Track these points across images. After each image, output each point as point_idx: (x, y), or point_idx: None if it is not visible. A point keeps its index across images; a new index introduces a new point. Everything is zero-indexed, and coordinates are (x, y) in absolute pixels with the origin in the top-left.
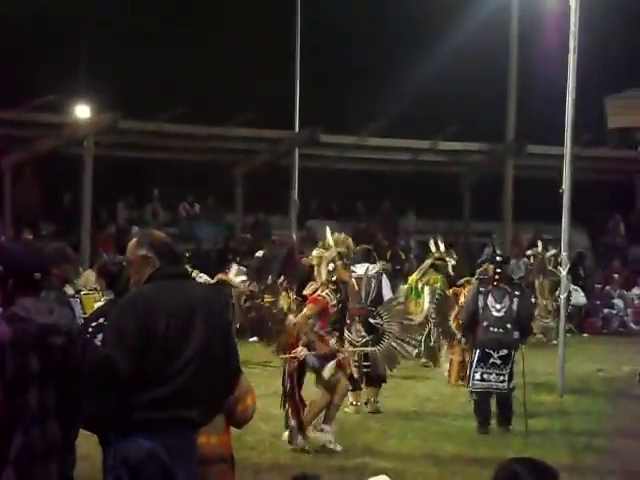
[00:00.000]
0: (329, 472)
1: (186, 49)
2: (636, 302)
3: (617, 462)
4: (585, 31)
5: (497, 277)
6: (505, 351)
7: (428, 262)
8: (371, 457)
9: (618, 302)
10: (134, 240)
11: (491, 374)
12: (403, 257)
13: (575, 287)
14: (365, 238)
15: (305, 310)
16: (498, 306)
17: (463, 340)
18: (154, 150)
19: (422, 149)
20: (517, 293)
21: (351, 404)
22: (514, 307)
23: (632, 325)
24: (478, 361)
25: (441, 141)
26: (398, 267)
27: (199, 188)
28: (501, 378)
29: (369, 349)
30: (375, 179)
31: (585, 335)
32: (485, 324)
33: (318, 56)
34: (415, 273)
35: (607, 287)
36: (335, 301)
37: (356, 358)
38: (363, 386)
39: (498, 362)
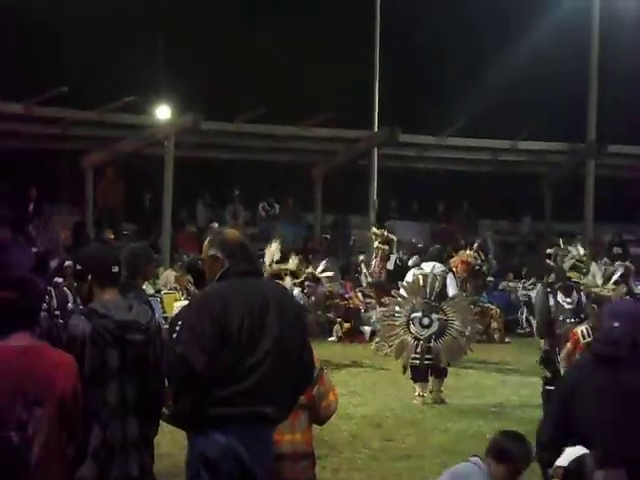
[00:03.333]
0: (408, 472)
1: (266, 50)
2: None
3: None
4: None
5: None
6: None
7: (569, 263)
8: (449, 457)
9: None
10: (207, 240)
11: None
12: (482, 257)
13: None
14: (444, 238)
15: None
16: (568, 300)
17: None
18: (234, 150)
19: (502, 149)
20: (583, 287)
21: (418, 395)
22: (583, 300)
23: None
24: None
25: (521, 141)
26: (477, 268)
27: (278, 188)
28: None
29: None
30: (455, 179)
31: None
32: (561, 318)
33: (398, 55)
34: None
35: None
36: None
37: (419, 350)
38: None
39: None
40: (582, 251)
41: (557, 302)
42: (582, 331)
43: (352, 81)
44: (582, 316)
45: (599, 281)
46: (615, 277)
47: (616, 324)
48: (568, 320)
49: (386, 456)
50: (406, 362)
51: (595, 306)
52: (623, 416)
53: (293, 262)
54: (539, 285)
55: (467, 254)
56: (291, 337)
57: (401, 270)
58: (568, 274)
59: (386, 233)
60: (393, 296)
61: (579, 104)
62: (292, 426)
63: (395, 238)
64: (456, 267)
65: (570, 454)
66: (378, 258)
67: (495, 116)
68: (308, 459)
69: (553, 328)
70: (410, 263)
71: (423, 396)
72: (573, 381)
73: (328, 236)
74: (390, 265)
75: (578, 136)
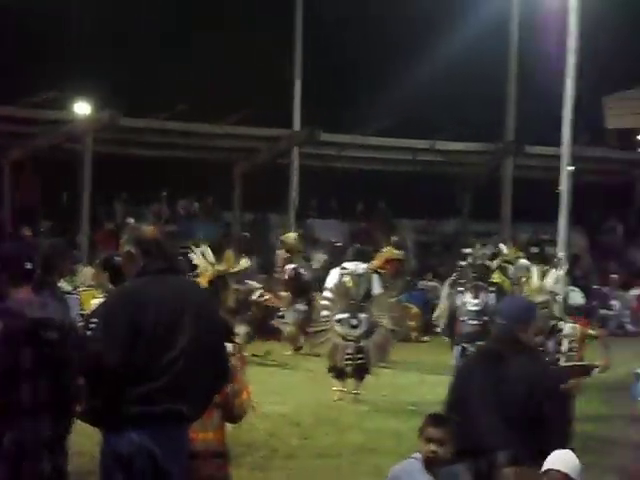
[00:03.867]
0: (325, 471)
1: (186, 46)
2: (634, 303)
3: (613, 463)
4: (584, 31)
5: (474, 275)
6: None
7: (495, 263)
8: (366, 456)
9: (616, 303)
10: (124, 237)
11: None
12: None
13: (573, 288)
14: (363, 237)
15: None
16: (475, 301)
17: None
18: (153, 148)
19: (421, 149)
20: (492, 289)
21: (339, 391)
22: (490, 302)
23: (629, 326)
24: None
25: (440, 141)
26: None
27: (198, 186)
28: None
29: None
30: (374, 178)
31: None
32: (463, 319)
33: (318, 54)
34: None
35: (605, 288)
36: None
37: (350, 351)
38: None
39: None
40: (506, 251)
41: (463, 302)
42: None
43: (273, 80)
44: (486, 318)
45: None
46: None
47: (501, 321)
48: (471, 321)
49: (304, 454)
50: (339, 364)
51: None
52: (491, 409)
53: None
54: (446, 284)
55: (390, 251)
56: (207, 335)
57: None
58: (493, 275)
59: (293, 241)
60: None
61: (497, 105)
62: (205, 424)
63: (300, 249)
64: (381, 267)
65: (557, 456)
66: (279, 263)
67: (414, 116)
68: (221, 457)
69: (454, 327)
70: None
71: (343, 392)
72: (461, 375)
73: (247, 234)
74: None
75: (496, 137)
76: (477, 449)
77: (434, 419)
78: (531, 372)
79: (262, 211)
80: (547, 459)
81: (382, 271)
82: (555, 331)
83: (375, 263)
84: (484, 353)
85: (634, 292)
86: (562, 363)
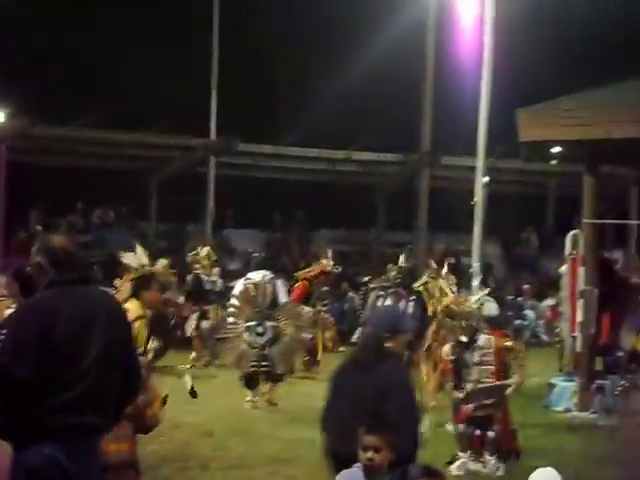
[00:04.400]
0: None
1: (104, 54)
2: (547, 313)
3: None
4: (499, 44)
5: (397, 283)
6: None
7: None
8: (280, 466)
9: (530, 313)
10: (34, 247)
11: None
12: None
13: (488, 298)
14: (280, 247)
15: None
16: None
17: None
18: (68, 156)
19: (338, 159)
20: (412, 298)
21: (251, 401)
22: (409, 311)
23: (543, 336)
24: None
25: (357, 151)
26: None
27: (114, 195)
28: None
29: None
30: (291, 188)
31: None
32: None
33: (235, 64)
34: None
35: (519, 298)
36: None
37: (255, 358)
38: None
39: None
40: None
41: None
42: (446, 350)
43: (190, 89)
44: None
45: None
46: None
47: (369, 329)
48: None
49: (217, 465)
50: (245, 370)
51: (451, 320)
52: (349, 416)
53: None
54: (373, 293)
55: (325, 264)
56: (118, 346)
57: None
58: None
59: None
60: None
61: (413, 116)
62: (118, 436)
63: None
64: (315, 277)
65: (540, 474)
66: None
67: (332, 126)
68: (133, 469)
69: None
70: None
71: (255, 401)
72: (332, 382)
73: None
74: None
75: (412, 148)
76: (333, 454)
77: (369, 427)
78: (389, 381)
79: (179, 221)
80: (531, 477)
81: (315, 282)
82: (473, 343)
83: (309, 274)
84: (352, 361)
85: (548, 302)
86: (474, 376)
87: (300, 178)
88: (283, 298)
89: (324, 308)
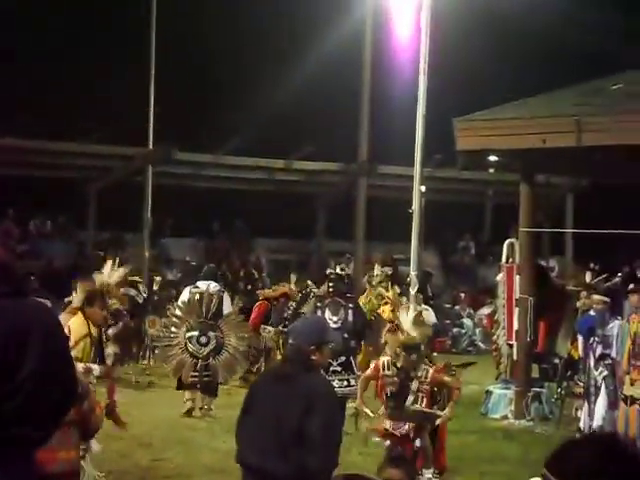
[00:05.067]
0: None
1: (41, 62)
2: (484, 321)
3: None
4: (437, 53)
5: (331, 292)
6: (343, 358)
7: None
8: (217, 476)
9: (467, 322)
10: None
11: (334, 380)
12: (256, 276)
13: (426, 307)
14: (218, 256)
15: None
16: (335, 318)
17: None
18: (5, 166)
19: (277, 168)
20: (351, 305)
21: (188, 410)
22: (349, 318)
23: (480, 344)
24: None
25: (296, 160)
26: (249, 287)
27: (51, 204)
28: (344, 383)
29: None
30: (230, 197)
31: (435, 354)
32: None
33: (173, 73)
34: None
35: (456, 307)
36: None
37: (197, 368)
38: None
39: (338, 369)
40: (377, 271)
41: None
42: (384, 362)
43: (128, 98)
44: (346, 335)
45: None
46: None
47: (293, 341)
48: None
49: (155, 475)
50: (185, 380)
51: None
52: (264, 428)
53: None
54: (312, 299)
55: (286, 288)
56: (54, 357)
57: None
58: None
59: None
60: None
61: (352, 125)
62: (65, 443)
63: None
64: (276, 299)
65: None
66: None
67: (271, 136)
68: (78, 477)
69: None
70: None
71: (192, 411)
72: (251, 394)
73: (101, 253)
74: None
75: (351, 157)
76: (248, 468)
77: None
78: (314, 394)
79: (117, 230)
80: None
81: (275, 302)
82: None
83: (272, 294)
84: (274, 372)
85: (484, 310)
86: (409, 404)
87: (239, 187)
88: (227, 309)
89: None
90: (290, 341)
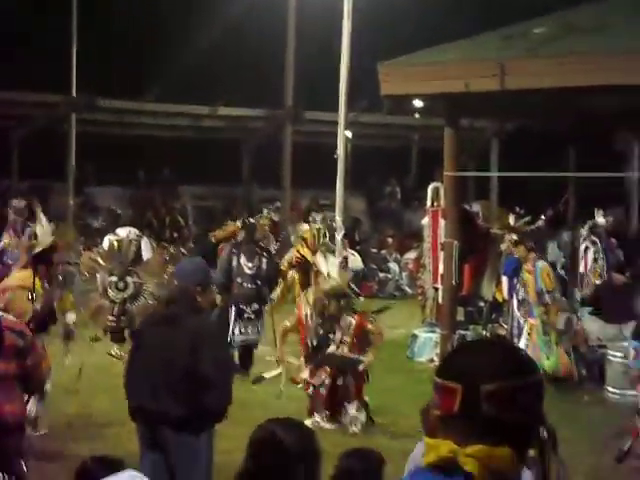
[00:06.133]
0: (101, 439)
1: None
2: (410, 266)
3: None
4: None
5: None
6: (257, 306)
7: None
8: None
9: (393, 266)
10: None
11: (248, 327)
12: (182, 223)
13: (352, 252)
14: (143, 204)
15: None
16: (250, 264)
17: None
18: None
19: (202, 115)
20: (265, 254)
21: (115, 355)
22: (264, 266)
23: (407, 288)
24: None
25: (221, 107)
26: (176, 234)
27: None
28: (256, 330)
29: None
30: (155, 145)
31: (362, 299)
32: (239, 281)
33: (96, 18)
34: None
35: (383, 251)
36: None
37: (115, 313)
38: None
39: (252, 316)
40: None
41: (239, 264)
42: (306, 313)
43: (51, 46)
44: (259, 282)
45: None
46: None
47: (177, 282)
48: (246, 284)
49: (83, 423)
50: (104, 326)
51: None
52: (154, 371)
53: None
54: (227, 245)
55: (235, 226)
56: None
57: None
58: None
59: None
60: None
61: (278, 71)
62: (11, 396)
63: None
64: (227, 238)
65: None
66: None
67: (195, 82)
68: (24, 429)
69: (230, 288)
70: None
71: (121, 356)
72: (138, 338)
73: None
74: None
75: (276, 102)
76: (140, 411)
77: None
78: (201, 333)
79: (40, 179)
80: None
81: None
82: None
83: (222, 234)
84: (160, 315)
85: (411, 255)
86: (330, 349)
87: (164, 134)
88: (147, 256)
89: None
90: (175, 282)
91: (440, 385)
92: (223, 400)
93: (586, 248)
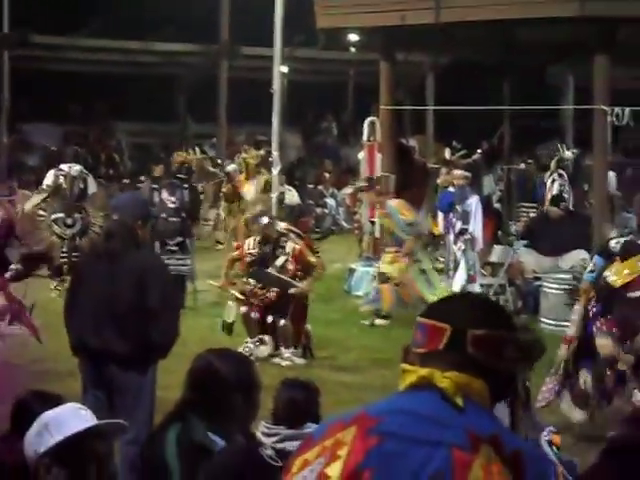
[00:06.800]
0: (41, 375)
1: None
2: (347, 201)
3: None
4: None
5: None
6: (180, 238)
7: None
8: None
9: (330, 201)
10: None
11: (170, 259)
12: (117, 160)
13: (289, 187)
14: (77, 141)
15: None
16: (172, 198)
17: None
18: None
19: (137, 50)
20: (186, 186)
21: (55, 289)
22: (186, 199)
23: (344, 223)
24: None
25: (154, 42)
26: (111, 171)
27: None
28: (180, 262)
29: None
30: (89, 81)
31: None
32: (163, 215)
33: None
34: None
35: (319, 187)
36: None
37: (65, 249)
38: None
39: (175, 248)
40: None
41: (162, 199)
42: (249, 242)
43: None
44: (183, 215)
45: None
46: None
47: (116, 217)
48: (170, 218)
49: (23, 361)
50: (56, 262)
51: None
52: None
53: None
54: (147, 181)
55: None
56: None
57: None
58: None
59: None
60: None
61: (213, 5)
62: None
63: None
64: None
65: None
66: None
67: (129, 17)
68: None
69: (156, 224)
70: None
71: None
72: (78, 274)
73: None
74: None
75: (211, 37)
76: (84, 347)
77: None
78: (146, 267)
79: None
80: None
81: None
82: (280, 247)
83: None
84: (100, 250)
85: (347, 190)
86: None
87: (97, 70)
88: (92, 190)
89: None
90: (113, 217)
91: (426, 325)
92: (170, 334)
93: (552, 181)
